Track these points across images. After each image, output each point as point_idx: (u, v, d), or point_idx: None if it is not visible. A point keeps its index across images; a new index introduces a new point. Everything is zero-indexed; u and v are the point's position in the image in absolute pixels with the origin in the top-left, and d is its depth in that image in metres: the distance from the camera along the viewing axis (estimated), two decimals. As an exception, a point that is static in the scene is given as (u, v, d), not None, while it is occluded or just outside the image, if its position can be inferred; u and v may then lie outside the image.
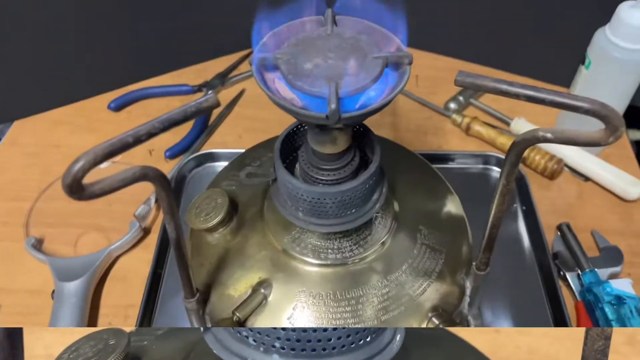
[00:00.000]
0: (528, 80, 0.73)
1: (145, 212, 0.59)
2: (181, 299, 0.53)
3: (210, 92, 0.36)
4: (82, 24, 0.67)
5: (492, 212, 0.37)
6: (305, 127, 0.43)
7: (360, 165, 0.41)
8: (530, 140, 0.32)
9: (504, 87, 0.30)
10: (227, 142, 0.68)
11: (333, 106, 0.30)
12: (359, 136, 0.43)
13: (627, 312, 0.49)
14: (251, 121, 0.71)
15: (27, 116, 0.71)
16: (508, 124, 0.67)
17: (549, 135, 0.31)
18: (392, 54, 0.33)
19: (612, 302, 0.50)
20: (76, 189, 0.27)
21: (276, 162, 0.39)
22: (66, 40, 0.68)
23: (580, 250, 0.55)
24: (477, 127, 0.65)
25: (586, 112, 0.29)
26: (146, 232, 0.59)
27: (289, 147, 0.44)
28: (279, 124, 0.70)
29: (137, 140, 0.28)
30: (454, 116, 0.67)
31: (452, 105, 0.69)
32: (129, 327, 0.51)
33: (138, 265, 0.56)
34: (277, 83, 0.35)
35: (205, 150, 0.65)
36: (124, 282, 0.56)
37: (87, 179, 0.27)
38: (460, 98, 0.69)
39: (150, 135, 0.29)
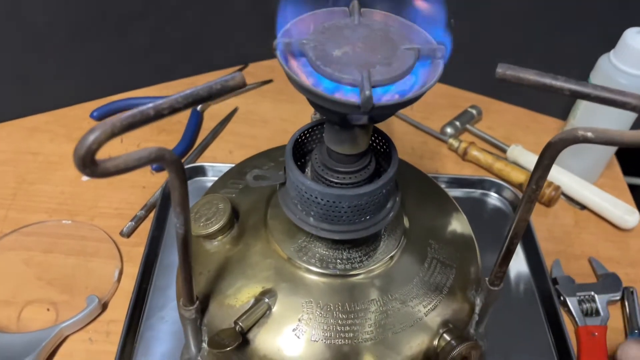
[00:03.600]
0: (523, 110, 0.73)
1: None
2: (169, 310, 0.50)
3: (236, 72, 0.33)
4: (66, 28, 0.65)
5: (515, 220, 0.36)
6: (317, 133, 0.41)
7: (373, 175, 0.39)
8: (568, 140, 0.31)
9: (548, 80, 0.29)
10: (217, 157, 0.66)
11: (367, 92, 0.28)
12: (373, 147, 0.41)
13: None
14: (242, 137, 0.68)
15: (2, 122, 0.67)
16: (504, 151, 0.67)
17: (589, 134, 0.29)
18: (424, 46, 0.32)
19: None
20: (89, 162, 0.24)
21: (288, 163, 0.37)
22: (49, 44, 0.65)
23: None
24: (474, 152, 0.65)
25: (633, 108, 0.28)
26: (104, 308, 0.51)
27: (297, 153, 0.41)
28: (270, 141, 0.68)
29: (159, 114, 0.26)
30: (451, 140, 0.66)
31: (449, 130, 0.68)
32: (112, 344, 0.47)
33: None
34: (299, 73, 0.33)
35: (194, 163, 0.62)
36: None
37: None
38: (457, 123, 0.69)
39: (173, 110, 0.27)
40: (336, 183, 0.37)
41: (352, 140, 0.35)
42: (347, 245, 0.40)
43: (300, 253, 0.40)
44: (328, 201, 0.36)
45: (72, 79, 0.69)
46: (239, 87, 0.28)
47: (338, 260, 0.40)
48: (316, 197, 0.36)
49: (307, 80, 0.31)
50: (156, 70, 0.73)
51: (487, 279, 0.40)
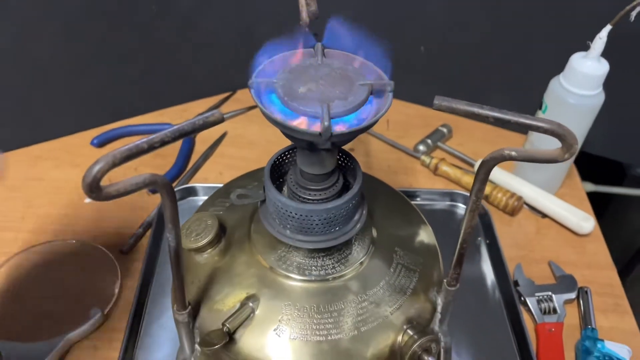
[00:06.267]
0: (491, 127, 0.79)
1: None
2: (165, 319, 0.54)
3: (215, 110, 0.38)
4: (67, 62, 0.70)
5: (463, 227, 0.41)
6: (292, 155, 0.47)
7: (342, 190, 0.44)
8: (497, 158, 0.36)
9: (476, 109, 0.34)
10: (208, 178, 0.71)
11: (326, 123, 0.34)
12: (342, 166, 0.47)
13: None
14: (231, 159, 0.74)
15: (10, 150, 0.73)
16: (472, 165, 0.72)
17: (513, 153, 0.35)
18: (376, 82, 0.38)
19: (601, 359, 0.53)
20: (95, 188, 0.30)
21: (266, 182, 0.42)
22: (51, 77, 0.70)
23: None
24: (444, 168, 0.70)
25: (545, 131, 0.33)
26: (107, 318, 0.56)
27: (276, 173, 0.47)
28: (258, 162, 0.73)
29: (151, 147, 0.31)
30: (423, 157, 0.72)
31: (421, 148, 0.74)
32: (115, 350, 0.53)
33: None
34: (272, 107, 0.39)
35: (187, 184, 0.67)
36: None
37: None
38: (429, 141, 0.74)
39: (164, 143, 0.32)
40: (308, 199, 0.43)
41: (320, 162, 0.41)
42: (321, 253, 0.46)
43: (280, 262, 0.46)
44: (301, 215, 0.41)
45: (73, 108, 0.74)
46: (218, 123, 0.34)
47: (313, 268, 0.45)
48: (291, 212, 0.41)
49: (277, 114, 0.37)
50: (151, 99, 0.79)
51: (445, 280, 0.46)
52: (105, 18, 0.69)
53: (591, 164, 0.78)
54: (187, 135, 0.33)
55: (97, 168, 0.30)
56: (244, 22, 0.77)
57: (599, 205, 0.72)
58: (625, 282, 0.63)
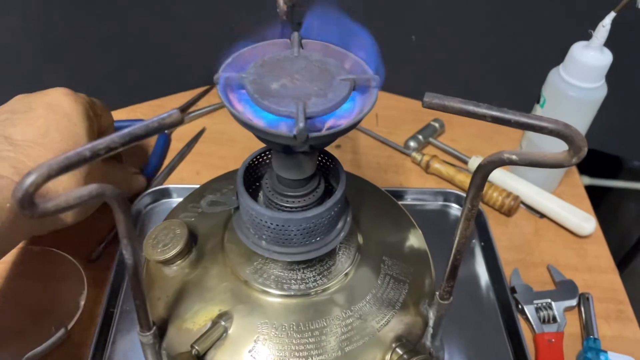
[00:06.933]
0: (486, 122, 0.75)
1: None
2: (136, 334, 0.50)
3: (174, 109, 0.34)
4: (32, 54, 0.66)
5: (457, 237, 0.37)
6: (268, 156, 0.42)
7: (324, 195, 0.40)
8: (495, 163, 0.32)
9: (471, 108, 0.30)
10: (184, 178, 0.67)
11: (301, 125, 0.30)
12: (324, 167, 0.43)
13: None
14: (209, 158, 0.70)
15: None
16: (465, 162, 0.68)
17: (513, 157, 0.31)
18: (359, 77, 0.33)
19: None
20: (28, 204, 0.25)
21: (239, 189, 0.38)
22: (19, 72, 0.66)
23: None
24: (436, 165, 0.66)
25: (550, 132, 0.29)
26: (71, 333, 0.51)
27: (251, 177, 0.43)
28: (237, 161, 0.69)
29: (95, 154, 0.27)
30: (414, 154, 0.68)
31: (412, 144, 0.70)
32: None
33: None
34: (242, 106, 0.34)
35: (161, 185, 0.63)
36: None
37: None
38: (420, 137, 0.70)
39: (109, 149, 0.28)
40: (286, 207, 0.39)
41: (297, 166, 0.37)
42: (302, 265, 0.42)
43: (256, 275, 0.41)
44: (277, 225, 0.37)
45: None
46: (176, 125, 0.30)
47: (293, 281, 0.41)
48: (266, 222, 0.37)
49: (245, 114, 0.32)
50: (124, 93, 0.74)
51: (437, 293, 0.42)
52: (73, 6, 0.64)
53: (587, 157, 0.74)
54: (140, 139, 0.29)
55: (29, 181, 0.25)
56: (222, 10, 0.72)
57: (595, 198, 0.68)
58: (621, 276, 0.59)
